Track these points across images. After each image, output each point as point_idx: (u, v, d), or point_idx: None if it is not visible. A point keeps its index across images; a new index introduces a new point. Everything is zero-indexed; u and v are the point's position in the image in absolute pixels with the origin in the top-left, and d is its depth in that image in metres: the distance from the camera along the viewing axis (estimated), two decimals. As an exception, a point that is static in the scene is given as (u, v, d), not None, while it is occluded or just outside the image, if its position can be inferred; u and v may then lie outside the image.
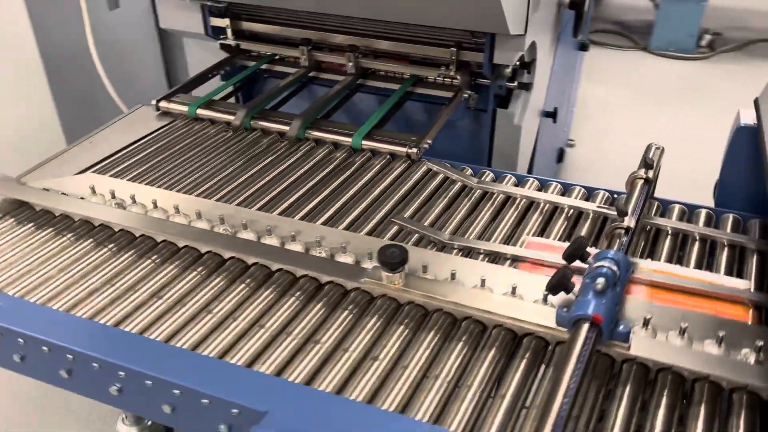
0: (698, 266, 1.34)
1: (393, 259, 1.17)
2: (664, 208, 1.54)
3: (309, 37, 2.11)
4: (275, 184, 1.61)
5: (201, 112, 1.91)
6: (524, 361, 1.10)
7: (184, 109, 1.92)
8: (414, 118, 2.23)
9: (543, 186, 1.62)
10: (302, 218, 1.47)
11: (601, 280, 1.03)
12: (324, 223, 1.46)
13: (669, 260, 1.36)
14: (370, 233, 1.43)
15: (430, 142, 1.74)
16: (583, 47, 2.97)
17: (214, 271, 1.32)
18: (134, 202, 1.47)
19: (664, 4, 5.06)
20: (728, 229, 1.45)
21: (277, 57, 2.22)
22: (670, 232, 1.43)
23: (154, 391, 1.09)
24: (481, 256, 1.36)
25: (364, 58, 2.08)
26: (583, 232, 1.45)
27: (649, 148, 1.50)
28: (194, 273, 1.32)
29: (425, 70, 2.04)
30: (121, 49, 2.85)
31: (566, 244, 1.17)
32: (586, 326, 1.00)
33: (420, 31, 2.01)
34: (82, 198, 1.50)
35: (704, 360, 1.06)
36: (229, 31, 2.22)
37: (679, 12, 5.01)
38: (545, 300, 1.15)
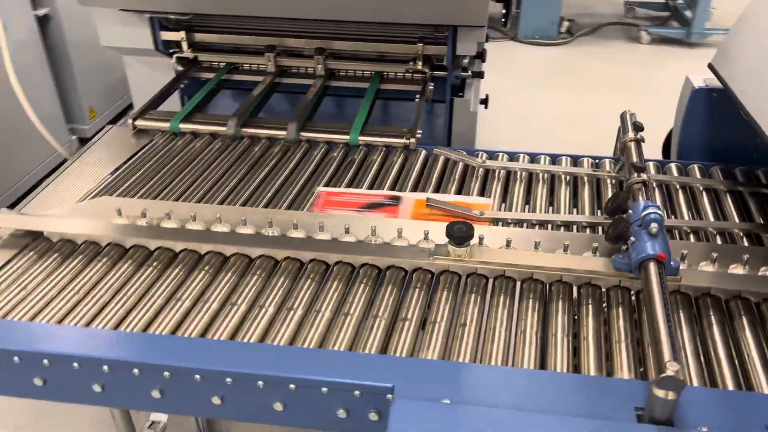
0: (689, 210, 1.57)
1: (461, 234, 1.27)
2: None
3: (273, 44, 2.14)
4: (291, 185, 1.65)
5: (183, 126, 1.88)
6: (590, 305, 1.25)
7: (163, 125, 1.89)
8: (378, 113, 2.33)
9: (533, 159, 1.79)
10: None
11: (654, 225, 1.20)
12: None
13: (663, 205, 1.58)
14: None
15: (420, 132, 1.85)
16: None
17: (296, 275, 1.35)
18: (169, 217, 1.45)
19: (527, -5, 5.63)
20: (697, 176, 1.70)
21: (237, 66, 2.22)
22: (654, 185, 1.66)
23: (266, 391, 1.11)
24: (513, 224, 1.50)
25: (331, 60, 2.15)
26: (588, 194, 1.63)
27: (623, 115, 1.71)
28: (256, 275, 1.34)
29: (393, 66, 2.14)
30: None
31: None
32: (653, 264, 1.17)
33: (383, 30, 2.12)
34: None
35: (736, 280, 1.26)
36: (184, 45, 2.19)
37: (541, 2, 5.56)
38: (595, 252, 1.31)
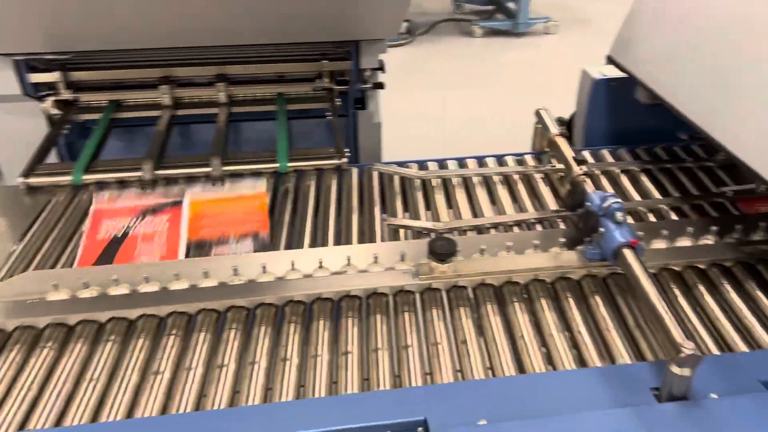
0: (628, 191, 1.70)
1: (444, 250, 1.27)
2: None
3: (166, 75, 1.98)
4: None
5: (87, 177, 1.69)
6: (569, 298, 1.31)
7: (64, 179, 1.68)
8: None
9: (461, 163, 1.83)
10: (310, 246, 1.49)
11: (619, 214, 1.29)
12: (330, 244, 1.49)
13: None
14: (370, 241, 1.49)
15: (348, 150, 1.82)
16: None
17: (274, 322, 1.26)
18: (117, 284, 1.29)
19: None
20: (609, 159, 1.84)
21: (121, 103, 2.03)
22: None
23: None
24: (473, 231, 1.52)
25: (233, 86, 2.04)
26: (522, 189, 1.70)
27: (539, 113, 1.81)
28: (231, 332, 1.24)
29: (298, 86, 2.08)
30: None
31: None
32: (628, 251, 1.24)
33: (283, 50, 2.05)
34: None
35: (686, 252, 1.39)
36: (61, 86, 1.96)
37: (382, 5, 5.83)
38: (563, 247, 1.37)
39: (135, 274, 1.32)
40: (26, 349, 1.20)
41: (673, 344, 1.04)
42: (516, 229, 1.54)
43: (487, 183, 1.74)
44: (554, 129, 1.70)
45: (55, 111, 1.98)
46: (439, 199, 1.67)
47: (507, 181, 1.75)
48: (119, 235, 1.49)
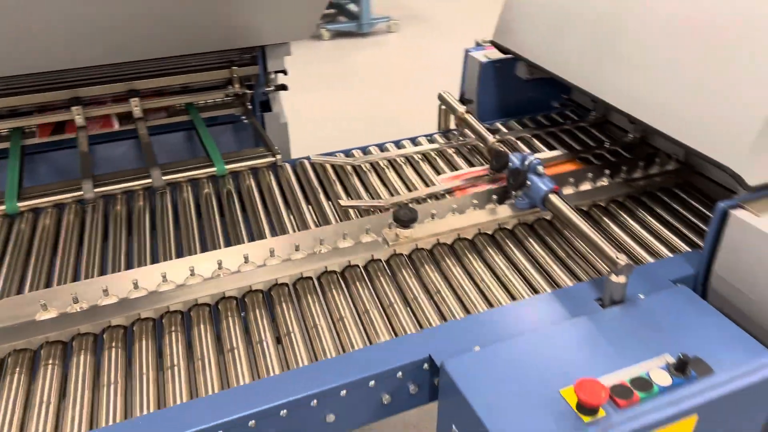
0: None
1: (407, 217, 1.45)
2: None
3: (76, 96, 1.96)
4: (198, 231, 1.62)
5: (22, 204, 1.65)
6: (509, 242, 1.55)
7: (-4, 208, 1.64)
8: (187, 144, 2.30)
9: (381, 148, 2.02)
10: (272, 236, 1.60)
11: (540, 167, 1.55)
12: (289, 232, 1.60)
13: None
14: (325, 224, 1.63)
15: (278, 148, 1.93)
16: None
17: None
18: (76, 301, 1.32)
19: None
20: (503, 130, 2.12)
21: (24, 129, 1.97)
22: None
23: (319, 408, 1.17)
24: (411, 203, 1.71)
25: (146, 99, 2.06)
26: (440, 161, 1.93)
27: (442, 96, 2.04)
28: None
29: (211, 94, 2.15)
30: None
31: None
32: (553, 196, 1.51)
33: (191, 60, 2.10)
34: None
35: (589, 194, 1.69)
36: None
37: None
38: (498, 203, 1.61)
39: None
40: None
41: (610, 259, 1.30)
42: (448, 196, 1.76)
43: (411, 162, 1.95)
44: (461, 108, 1.95)
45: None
46: (375, 180, 1.85)
47: (427, 158, 1.97)
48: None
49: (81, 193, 1.69)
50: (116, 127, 2.05)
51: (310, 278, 1.44)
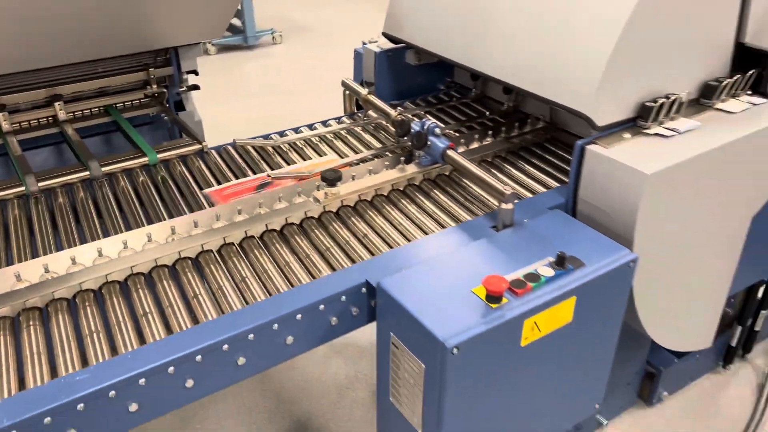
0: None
1: (333, 176, 1.71)
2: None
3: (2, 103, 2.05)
4: (143, 213, 1.79)
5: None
6: (419, 189, 1.85)
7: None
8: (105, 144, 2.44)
9: (296, 131, 2.26)
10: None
11: (437, 129, 1.86)
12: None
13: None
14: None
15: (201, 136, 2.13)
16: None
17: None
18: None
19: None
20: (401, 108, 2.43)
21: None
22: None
23: (279, 331, 1.40)
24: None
25: (68, 104, 2.18)
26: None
27: (345, 83, 2.32)
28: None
29: (130, 95, 2.30)
30: None
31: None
32: (450, 151, 1.82)
33: (110, 64, 2.24)
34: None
35: (479, 149, 2.02)
36: None
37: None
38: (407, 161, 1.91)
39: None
40: None
41: (498, 191, 1.63)
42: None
43: (325, 140, 2.21)
44: (363, 91, 2.23)
45: None
46: (296, 157, 2.09)
47: (338, 136, 2.24)
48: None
49: (23, 189, 1.81)
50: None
51: (253, 237, 1.66)
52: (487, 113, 2.33)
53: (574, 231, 1.61)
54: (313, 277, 1.55)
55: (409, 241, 1.67)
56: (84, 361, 1.32)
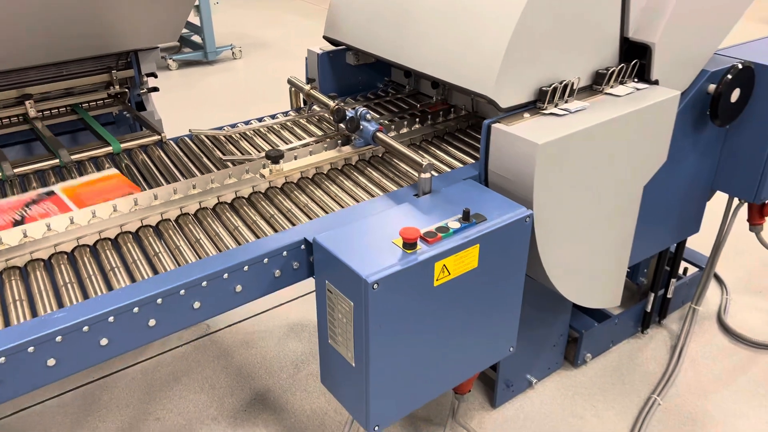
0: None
1: (276, 154, 1.97)
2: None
3: (-27, 101, 2.27)
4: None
5: (-53, 186, 1.96)
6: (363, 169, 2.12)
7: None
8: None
9: (246, 123, 2.51)
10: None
11: (368, 115, 2.14)
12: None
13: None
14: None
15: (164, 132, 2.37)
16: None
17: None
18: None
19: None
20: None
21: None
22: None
23: (229, 280, 1.65)
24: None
25: (37, 103, 2.40)
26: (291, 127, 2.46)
27: (291, 80, 2.59)
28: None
29: (94, 95, 2.53)
30: None
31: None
32: (380, 133, 2.10)
33: (74, 67, 2.48)
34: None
35: (408, 134, 2.31)
36: None
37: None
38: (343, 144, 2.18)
39: None
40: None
41: (417, 163, 1.91)
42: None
43: (273, 130, 2.47)
44: (307, 86, 2.51)
45: None
46: (246, 145, 2.35)
47: (285, 127, 2.50)
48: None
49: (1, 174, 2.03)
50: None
51: (206, 208, 1.91)
52: (418, 105, 2.63)
53: (481, 195, 1.90)
54: (259, 238, 1.81)
55: (332, 209, 1.94)
56: (60, 305, 1.55)
